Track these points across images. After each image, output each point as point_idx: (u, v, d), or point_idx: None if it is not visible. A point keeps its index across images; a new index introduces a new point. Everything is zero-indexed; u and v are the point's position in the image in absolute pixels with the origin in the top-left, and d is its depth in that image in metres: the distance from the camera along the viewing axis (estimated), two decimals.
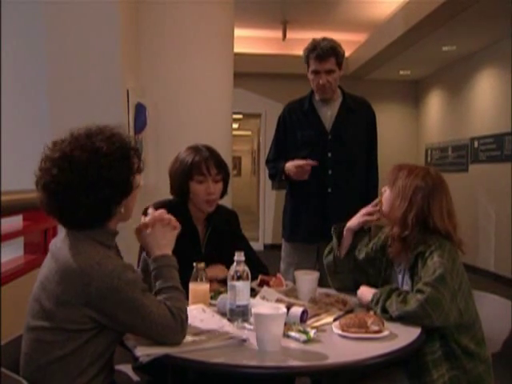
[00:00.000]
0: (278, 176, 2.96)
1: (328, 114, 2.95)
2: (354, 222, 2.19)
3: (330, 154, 2.90)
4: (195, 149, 2.26)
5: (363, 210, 2.19)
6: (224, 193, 2.32)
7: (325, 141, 2.91)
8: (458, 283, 1.84)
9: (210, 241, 2.31)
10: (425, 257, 1.89)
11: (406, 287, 1.98)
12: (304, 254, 2.96)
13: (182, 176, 2.23)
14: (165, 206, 2.19)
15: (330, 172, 2.90)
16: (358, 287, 2.09)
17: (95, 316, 1.45)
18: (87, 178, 1.46)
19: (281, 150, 3.02)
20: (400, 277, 2.05)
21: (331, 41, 2.88)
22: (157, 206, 1.82)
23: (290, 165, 2.86)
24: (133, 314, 1.47)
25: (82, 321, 1.45)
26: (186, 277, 1.87)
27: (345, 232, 2.20)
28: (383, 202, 2.09)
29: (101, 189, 1.48)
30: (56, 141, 1.53)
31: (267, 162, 3.11)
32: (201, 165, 2.20)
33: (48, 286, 1.48)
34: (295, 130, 2.96)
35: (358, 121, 2.98)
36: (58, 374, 1.47)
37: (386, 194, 2.08)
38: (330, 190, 2.90)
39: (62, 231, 1.60)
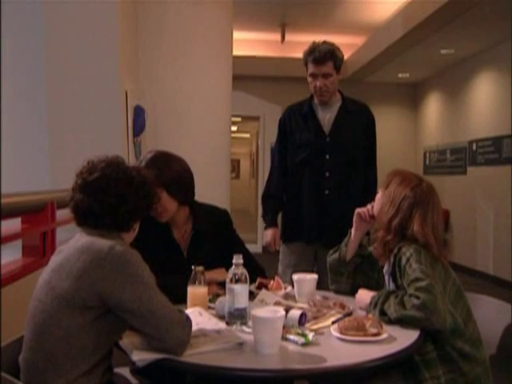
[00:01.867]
0: (264, 218, 3.09)
1: (326, 117, 2.95)
2: (356, 226, 2.23)
3: (327, 157, 2.90)
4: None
5: (359, 216, 2.23)
6: (181, 199, 2.19)
7: (323, 143, 2.91)
8: (442, 287, 1.85)
9: (194, 245, 2.27)
10: (402, 264, 1.90)
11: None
12: (301, 256, 2.96)
13: None
14: None
15: (327, 174, 2.90)
16: (356, 291, 2.09)
17: (104, 291, 1.49)
18: (133, 183, 1.66)
19: (283, 153, 3.03)
20: (387, 279, 2.07)
21: (330, 44, 2.89)
22: None
23: (268, 233, 3.02)
24: (141, 288, 1.50)
25: (89, 297, 1.49)
26: (170, 283, 1.87)
27: (353, 232, 2.22)
28: (374, 203, 2.14)
29: (139, 197, 1.67)
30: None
31: (272, 167, 3.11)
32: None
33: (62, 269, 1.54)
34: (294, 132, 2.97)
35: (357, 124, 2.98)
36: (61, 358, 1.50)
37: (378, 195, 2.13)
38: (327, 193, 2.90)
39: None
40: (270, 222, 3.03)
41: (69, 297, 1.50)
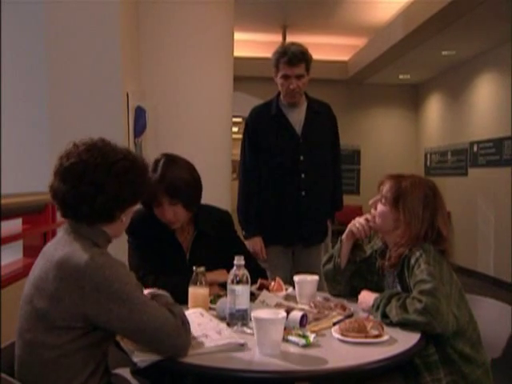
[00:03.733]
0: (243, 227, 2.99)
1: (297, 118, 2.96)
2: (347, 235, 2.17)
3: (302, 158, 2.91)
4: (152, 168, 2.12)
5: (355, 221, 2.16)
6: (193, 208, 2.21)
7: (296, 145, 2.92)
8: (449, 288, 1.85)
9: (196, 246, 2.27)
10: (411, 264, 1.89)
11: None
12: (280, 258, 2.97)
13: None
14: (141, 214, 2.13)
15: (302, 175, 2.91)
16: (355, 293, 2.09)
17: (89, 313, 1.42)
18: (113, 170, 1.51)
19: (256, 155, 2.97)
20: (390, 281, 2.06)
21: (300, 46, 2.91)
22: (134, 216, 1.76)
23: (255, 242, 2.91)
24: (127, 306, 1.43)
25: (73, 318, 1.43)
26: (172, 284, 1.90)
27: (343, 241, 2.18)
28: (377, 216, 2.06)
29: (121, 185, 1.53)
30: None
31: (245, 170, 3.01)
32: (150, 193, 2.02)
33: (41, 285, 1.47)
34: (266, 135, 2.95)
35: (324, 123, 3.02)
36: (52, 377, 1.46)
37: (383, 209, 2.04)
38: (303, 194, 2.91)
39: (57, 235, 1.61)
40: (254, 231, 2.96)
41: (51, 318, 1.44)
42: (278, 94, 2.99)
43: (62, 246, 1.50)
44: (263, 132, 2.97)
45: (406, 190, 1.99)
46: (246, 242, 2.92)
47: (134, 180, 1.56)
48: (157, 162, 2.15)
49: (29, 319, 1.49)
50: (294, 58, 2.83)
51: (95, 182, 1.49)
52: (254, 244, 2.93)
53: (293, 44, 2.91)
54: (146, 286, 1.75)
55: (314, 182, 2.92)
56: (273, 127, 2.95)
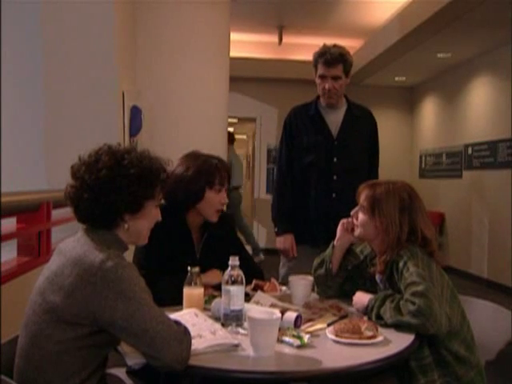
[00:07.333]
0: (275, 223, 3.00)
1: (334, 120, 2.95)
2: (340, 241, 2.18)
3: (335, 160, 2.90)
4: (208, 157, 2.30)
5: (343, 227, 2.18)
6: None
7: (331, 146, 2.91)
8: (440, 289, 1.85)
9: (206, 246, 2.31)
10: (399, 268, 1.90)
11: None
12: (305, 259, 2.93)
13: (201, 182, 2.22)
14: (161, 210, 2.15)
15: (334, 177, 2.90)
16: (346, 297, 2.09)
17: (96, 309, 1.44)
18: (101, 177, 1.56)
19: (291, 154, 2.99)
20: (381, 287, 2.07)
21: (341, 48, 2.91)
22: None
23: (286, 239, 2.91)
24: (133, 305, 1.44)
25: (81, 315, 1.45)
26: (182, 283, 1.92)
27: (335, 246, 2.19)
28: (359, 225, 2.08)
29: (108, 192, 1.55)
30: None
31: (281, 169, 3.03)
32: (224, 175, 2.26)
33: (55, 279, 1.50)
34: (301, 134, 2.96)
35: (362, 128, 3.00)
36: (51, 373, 1.47)
37: (363, 218, 2.06)
38: (334, 196, 2.90)
39: (74, 232, 1.65)
40: (286, 227, 2.95)
41: (60, 312, 1.46)
42: (319, 95, 2.99)
43: (80, 244, 1.54)
44: (299, 131, 2.97)
45: (380, 197, 2.01)
46: (277, 239, 2.94)
47: (125, 190, 1.57)
48: (207, 156, 2.31)
49: (37, 311, 1.51)
50: (331, 58, 2.84)
51: (88, 193, 1.55)
52: (285, 241, 2.92)
53: (334, 46, 2.91)
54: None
55: (346, 185, 2.86)
56: (309, 127, 2.96)
